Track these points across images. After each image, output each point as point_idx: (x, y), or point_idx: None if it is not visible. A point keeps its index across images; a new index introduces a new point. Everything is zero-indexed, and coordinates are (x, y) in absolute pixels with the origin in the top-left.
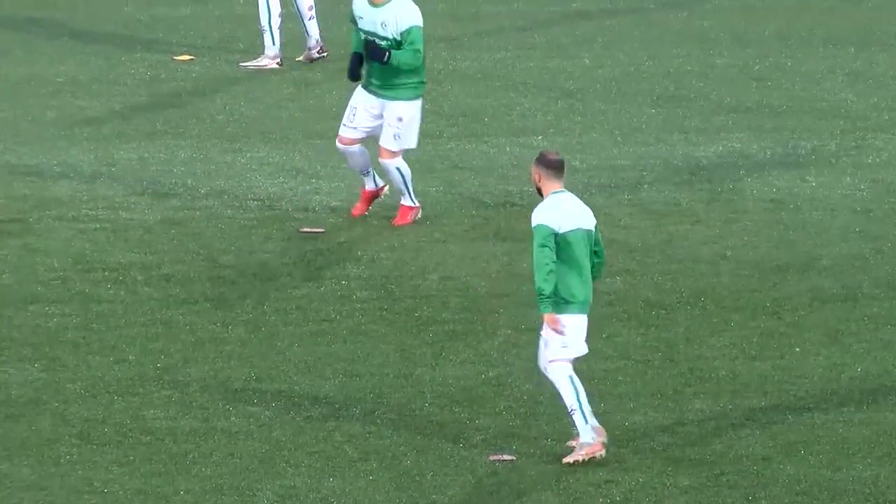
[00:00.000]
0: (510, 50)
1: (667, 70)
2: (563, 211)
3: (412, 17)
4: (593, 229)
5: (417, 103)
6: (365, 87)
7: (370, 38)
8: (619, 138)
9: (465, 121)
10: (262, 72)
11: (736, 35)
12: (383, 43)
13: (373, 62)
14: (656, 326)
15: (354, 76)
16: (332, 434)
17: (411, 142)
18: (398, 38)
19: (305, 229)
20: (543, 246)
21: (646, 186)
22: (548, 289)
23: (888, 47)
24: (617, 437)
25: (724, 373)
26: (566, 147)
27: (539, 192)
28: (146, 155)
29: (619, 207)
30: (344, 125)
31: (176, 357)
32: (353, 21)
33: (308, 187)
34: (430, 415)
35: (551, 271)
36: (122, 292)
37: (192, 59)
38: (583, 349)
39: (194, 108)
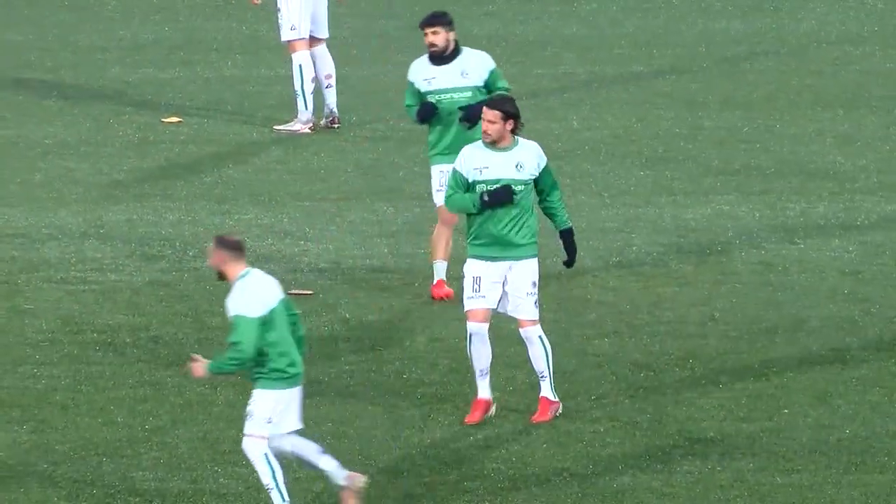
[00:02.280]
0: None
1: (655, 132)
2: (258, 292)
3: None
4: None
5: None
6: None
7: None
8: (607, 200)
9: None
10: (251, 135)
11: (724, 98)
12: (519, 188)
13: (497, 207)
14: (645, 388)
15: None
16: (321, 495)
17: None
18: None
19: (294, 291)
20: (240, 343)
21: (634, 248)
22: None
23: (876, 110)
24: (605, 499)
25: (712, 434)
26: None
27: (222, 276)
28: (135, 217)
29: (608, 269)
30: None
31: (164, 419)
32: (463, 181)
33: (296, 249)
34: (418, 476)
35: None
36: (111, 354)
37: (180, 122)
38: (294, 424)
39: (183, 169)
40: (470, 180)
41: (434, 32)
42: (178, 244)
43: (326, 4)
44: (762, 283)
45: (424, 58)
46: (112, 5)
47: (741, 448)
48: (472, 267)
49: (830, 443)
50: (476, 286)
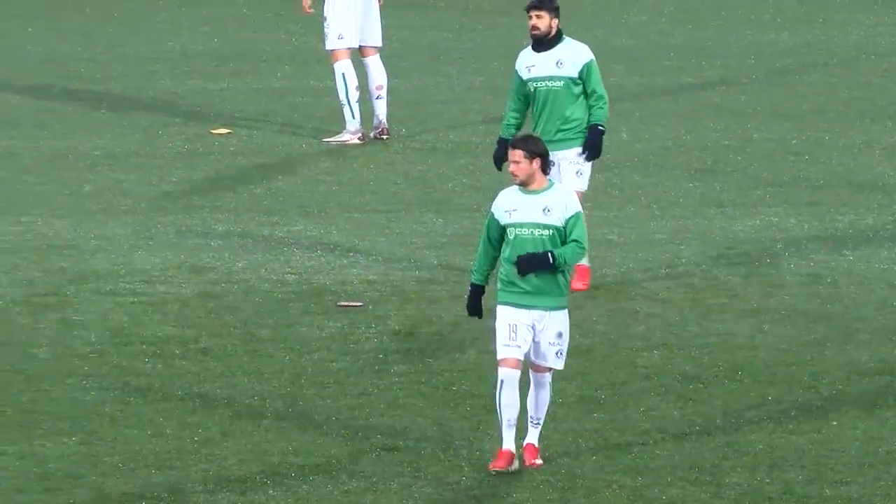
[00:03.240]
0: None
1: (704, 144)
2: None
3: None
4: None
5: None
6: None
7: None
8: (656, 212)
9: None
10: (300, 146)
11: (773, 109)
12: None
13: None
14: (693, 400)
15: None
16: None
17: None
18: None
19: (343, 303)
20: None
21: (683, 260)
22: None
23: None
24: None
25: (761, 446)
26: (604, 221)
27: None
28: (183, 228)
29: (657, 281)
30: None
31: (213, 431)
32: (496, 224)
33: (345, 261)
34: (468, 488)
35: None
36: (160, 366)
37: (229, 133)
38: None
39: (231, 181)
40: (502, 223)
41: (538, 16)
42: (227, 256)
43: (378, 13)
44: (811, 296)
45: (529, 47)
46: (161, 17)
47: (790, 460)
48: (506, 314)
49: (879, 455)
50: (513, 334)
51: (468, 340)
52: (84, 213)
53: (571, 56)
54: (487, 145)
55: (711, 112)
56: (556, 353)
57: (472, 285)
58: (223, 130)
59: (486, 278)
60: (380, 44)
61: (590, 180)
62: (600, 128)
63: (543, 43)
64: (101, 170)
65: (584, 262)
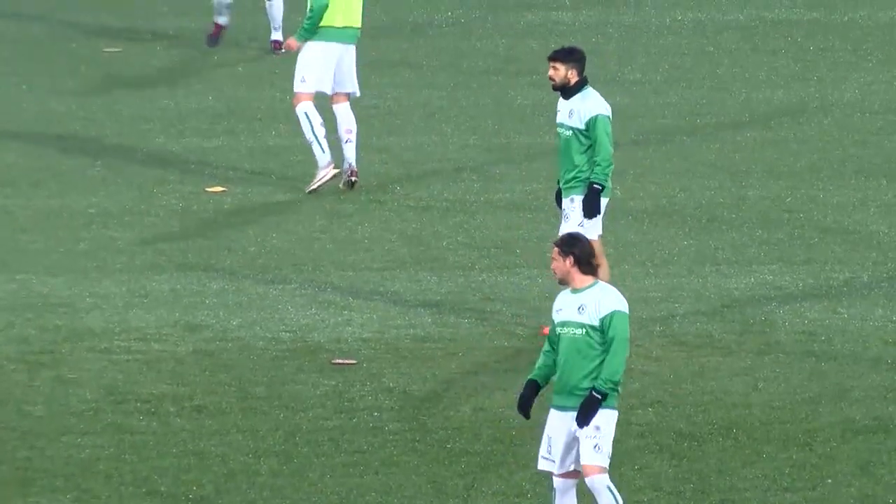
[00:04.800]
0: (541, 181)
1: (699, 202)
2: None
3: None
4: None
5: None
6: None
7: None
8: (650, 270)
9: (497, 252)
10: (295, 204)
11: (768, 167)
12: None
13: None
14: (688, 458)
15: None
16: None
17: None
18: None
19: (337, 361)
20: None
21: (678, 318)
22: None
23: None
24: None
25: None
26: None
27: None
28: (178, 286)
29: (651, 339)
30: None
31: (208, 488)
32: (552, 325)
33: (340, 319)
34: None
35: None
36: (155, 423)
37: (224, 191)
38: None
39: (226, 239)
40: (553, 322)
41: (554, 67)
42: (221, 314)
43: (353, 62)
44: (806, 353)
45: None
46: (156, 75)
47: None
48: (550, 421)
49: None
50: (549, 447)
51: (462, 398)
52: (79, 270)
53: (582, 107)
54: (482, 203)
55: (706, 170)
56: (594, 448)
57: (528, 380)
58: (218, 188)
59: (545, 379)
60: (355, 91)
61: (594, 230)
62: (595, 185)
63: (566, 91)
64: (95, 228)
65: None
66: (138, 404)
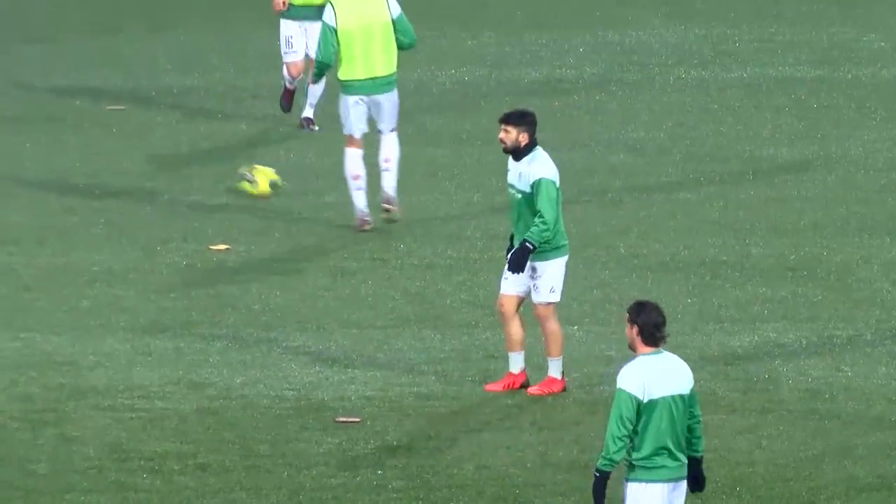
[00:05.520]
0: None
1: (702, 259)
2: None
3: None
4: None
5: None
6: None
7: None
8: None
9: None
10: (298, 262)
11: (771, 224)
12: None
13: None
14: None
15: None
16: None
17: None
18: None
19: (341, 419)
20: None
21: None
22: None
23: None
24: None
25: None
26: (602, 337)
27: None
28: (182, 344)
29: None
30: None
31: None
32: None
33: (343, 377)
34: None
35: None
36: (158, 482)
37: (227, 249)
38: None
39: (230, 297)
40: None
41: (505, 130)
42: (225, 371)
43: (394, 104)
44: (809, 411)
45: None
46: (160, 133)
47: None
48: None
49: None
50: None
51: (466, 456)
52: (82, 328)
53: (529, 170)
54: (485, 261)
55: (710, 227)
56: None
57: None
58: (222, 246)
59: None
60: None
61: (551, 293)
62: (527, 244)
63: (516, 154)
64: (99, 286)
65: (557, 372)
66: (142, 462)
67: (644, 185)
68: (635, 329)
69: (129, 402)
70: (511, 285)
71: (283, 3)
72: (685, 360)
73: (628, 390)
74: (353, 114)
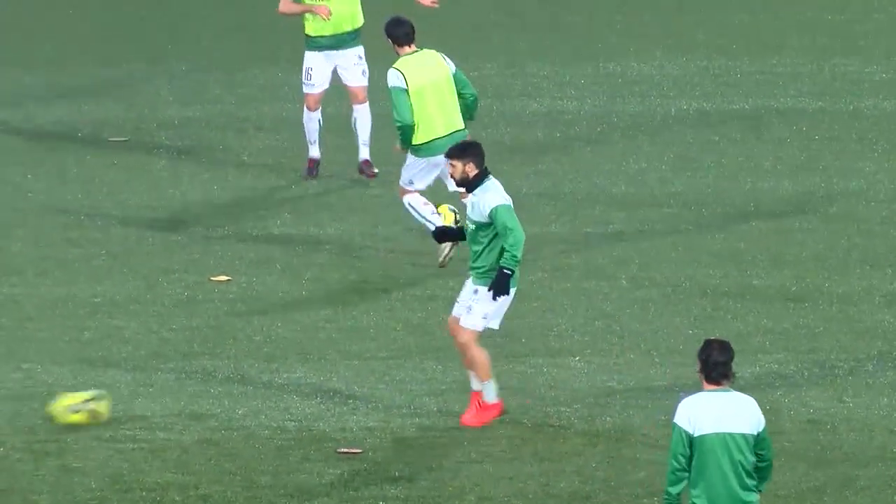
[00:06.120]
0: (546, 271)
1: (704, 291)
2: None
3: None
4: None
5: None
6: None
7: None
8: (656, 359)
9: (503, 341)
10: (299, 293)
11: (773, 256)
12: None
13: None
14: None
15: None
16: None
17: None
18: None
19: (343, 450)
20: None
21: None
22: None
23: None
24: None
25: None
26: (604, 368)
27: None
28: (183, 375)
29: (657, 428)
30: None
31: None
32: None
33: (345, 408)
34: None
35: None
36: None
37: (228, 280)
38: None
39: (231, 328)
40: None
41: (451, 165)
42: (227, 402)
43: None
44: (811, 442)
45: None
46: (161, 165)
47: None
48: None
49: None
50: None
51: (468, 487)
52: (84, 359)
53: (482, 200)
54: None
55: (711, 259)
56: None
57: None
58: (223, 277)
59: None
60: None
61: (483, 320)
62: (505, 270)
63: (468, 186)
64: (101, 317)
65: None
66: (143, 493)
67: (645, 216)
68: (699, 366)
69: (131, 432)
70: (494, 320)
71: (328, 14)
72: (686, 391)
73: (678, 423)
74: (425, 176)
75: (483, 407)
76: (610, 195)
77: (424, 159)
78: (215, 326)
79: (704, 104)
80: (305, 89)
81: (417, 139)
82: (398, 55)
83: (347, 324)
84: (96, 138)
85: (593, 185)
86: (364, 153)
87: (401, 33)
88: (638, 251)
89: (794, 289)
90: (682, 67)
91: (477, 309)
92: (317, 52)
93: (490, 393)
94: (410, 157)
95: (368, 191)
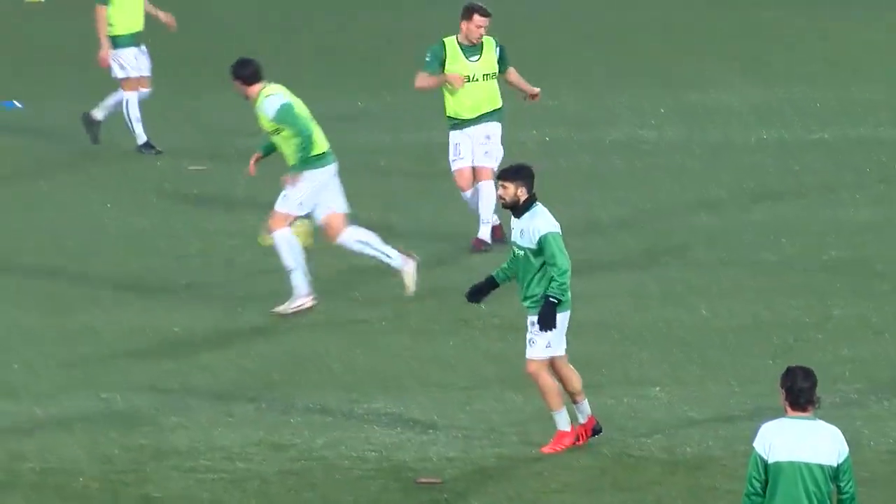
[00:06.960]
0: (625, 298)
1: (784, 321)
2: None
3: None
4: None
5: None
6: None
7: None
8: (736, 389)
9: (582, 371)
10: (379, 322)
11: (853, 287)
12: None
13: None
14: None
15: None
16: None
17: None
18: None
19: (422, 480)
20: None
21: None
22: None
23: None
24: None
25: None
26: (683, 398)
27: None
28: (263, 405)
29: (736, 458)
30: None
31: None
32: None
33: (425, 438)
34: None
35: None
36: None
37: (309, 308)
38: None
39: (311, 357)
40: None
41: (503, 186)
42: (306, 433)
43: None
44: (892, 473)
45: None
46: (239, 193)
47: None
48: None
49: None
50: None
51: None
52: (163, 389)
53: (531, 226)
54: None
55: (791, 289)
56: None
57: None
58: (304, 305)
59: None
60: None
61: (547, 349)
62: (552, 299)
63: (515, 210)
64: (180, 346)
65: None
66: None
67: (725, 245)
68: (783, 394)
69: (211, 463)
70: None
71: (460, 81)
72: (769, 419)
73: (755, 447)
74: (314, 198)
75: (560, 435)
76: (688, 224)
77: (320, 170)
78: (294, 356)
79: (784, 133)
80: (453, 166)
81: (314, 150)
82: (251, 96)
83: (427, 353)
84: (175, 167)
85: (672, 215)
86: (484, 232)
87: (248, 73)
88: (717, 280)
89: (874, 319)
90: (762, 97)
91: (539, 341)
92: (458, 132)
93: (562, 421)
94: (308, 175)
95: (447, 220)
